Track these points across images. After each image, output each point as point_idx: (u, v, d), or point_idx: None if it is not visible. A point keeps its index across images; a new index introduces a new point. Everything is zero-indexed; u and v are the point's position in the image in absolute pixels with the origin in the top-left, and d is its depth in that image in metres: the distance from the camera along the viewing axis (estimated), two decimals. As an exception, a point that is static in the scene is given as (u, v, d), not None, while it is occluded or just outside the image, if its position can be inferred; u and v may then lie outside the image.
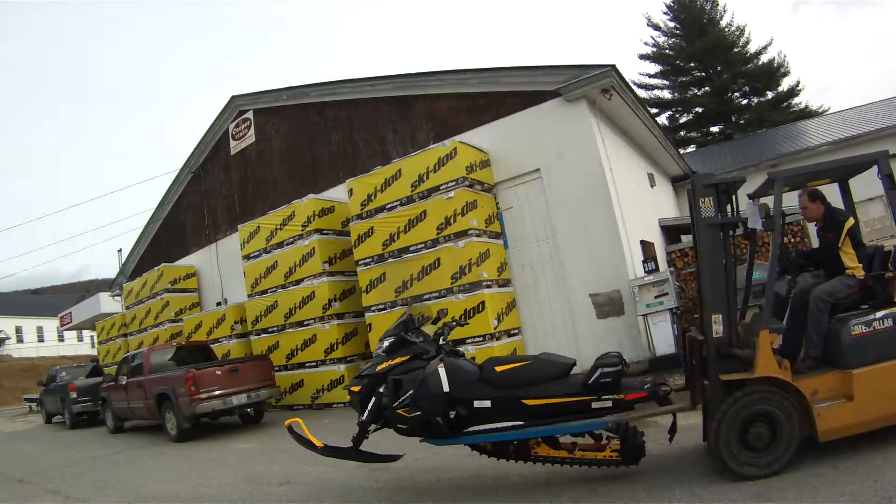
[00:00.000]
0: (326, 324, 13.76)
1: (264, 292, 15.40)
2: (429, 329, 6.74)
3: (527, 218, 12.57)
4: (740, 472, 5.32)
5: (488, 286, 11.51)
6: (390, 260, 12.53)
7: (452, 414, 6.05)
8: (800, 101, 39.22)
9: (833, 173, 6.40)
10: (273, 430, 7.77)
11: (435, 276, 11.88)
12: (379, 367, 6.28)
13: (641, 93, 39.11)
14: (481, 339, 11.33)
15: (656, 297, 10.70)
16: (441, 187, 11.86)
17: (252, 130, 19.02)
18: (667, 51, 40.96)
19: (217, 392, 12.20)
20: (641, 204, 14.64)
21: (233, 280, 18.81)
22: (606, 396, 5.71)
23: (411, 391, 5.97)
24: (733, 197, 6.01)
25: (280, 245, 14.97)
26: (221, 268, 19.99)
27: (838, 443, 5.43)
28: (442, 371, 6.01)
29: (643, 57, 41.94)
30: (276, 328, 15.08)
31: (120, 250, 28.30)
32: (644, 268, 11.53)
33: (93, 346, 43.87)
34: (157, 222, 23.54)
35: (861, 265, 5.95)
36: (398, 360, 6.25)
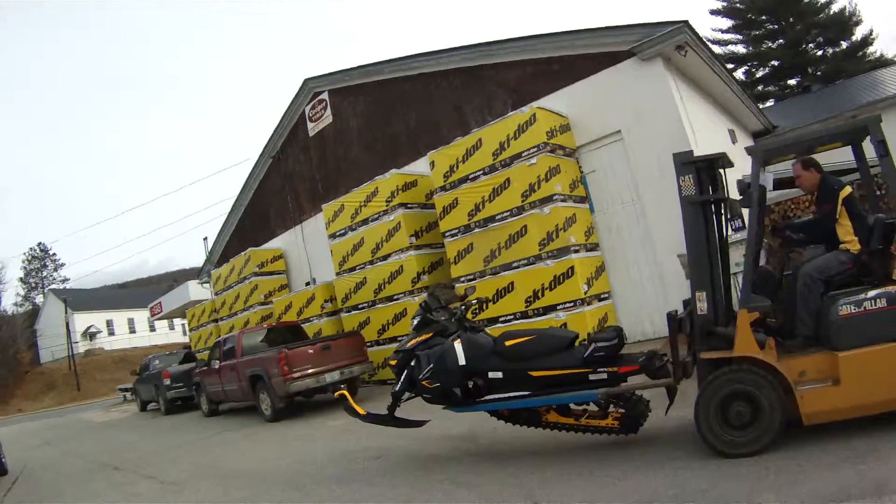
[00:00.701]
0: (416, 297, 13.96)
1: (352, 269, 15.78)
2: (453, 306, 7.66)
3: (610, 180, 12.59)
4: (721, 450, 5.44)
5: (576, 251, 11.55)
6: (477, 230, 12.66)
7: (471, 384, 6.80)
8: (874, 49, 37.93)
9: (820, 142, 6.09)
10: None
11: (522, 243, 11.95)
12: (408, 344, 7.27)
13: (716, 48, 38.23)
14: (572, 304, 11.40)
15: (744, 255, 10.68)
16: (523, 154, 11.94)
17: (328, 111, 19.50)
18: (738, 4, 39.99)
19: (310, 370, 12.51)
20: (724, 162, 14.48)
21: (320, 259, 19.32)
22: (601, 369, 6.17)
23: (432, 365, 6.88)
24: (721, 172, 6.14)
25: (365, 222, 15.29)
26: (308, 248, 20.55)
27: (832, 426, 5.31)
28: (458, 347, 6.79)
29: (714, 12, 40.96)
30: (366, 304, 15.46)
31: (206, 238, 29.24)
32: (731, 226, 11.46)
33: (184, 334, 45.36)
34: (241, 208, 24.37)
35: (857, 239, 5.71)
36: (423, 337, 7.18)
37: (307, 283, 19.74)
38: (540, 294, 11.72)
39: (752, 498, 4.38)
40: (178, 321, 57.85)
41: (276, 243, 22.42)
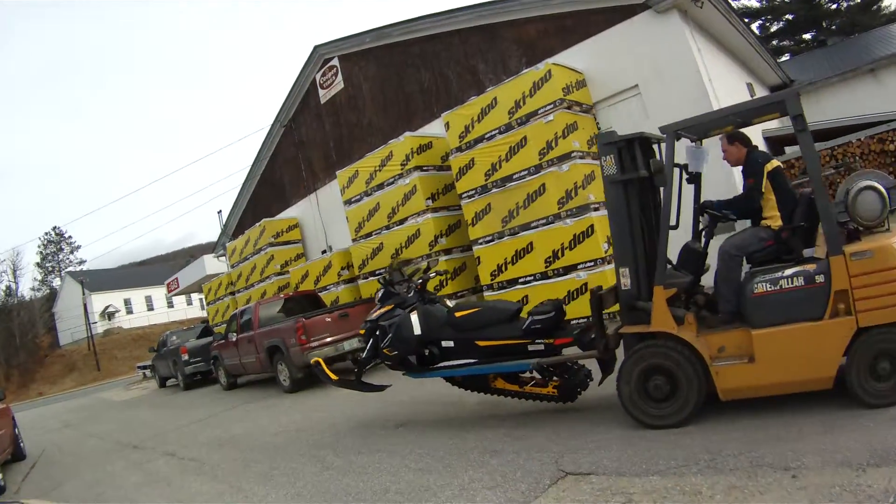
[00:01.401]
0: (434, 261, 13.96)
1: (369, 235, 15.80)
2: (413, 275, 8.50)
3: None
4: (644, 421, 5.67)
5: (596, 209, 11.39)
6: (494, 190, 12.60)
7: (427, 352, 7.49)
8: (889, 3, 38.06)
9: (736, 118, 6.09)
10: (388, 374, 8.18)
11: (541, 202, 11.89)
12: (372, 315, 8.05)
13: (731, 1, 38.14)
14: (592, 263, 11.31)
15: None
16: (539, 111, 11.89)
17: (339, 77, 19.55)
18: (751, -44, 39.56)
19: (328, 339, 12.59)
20: (743, 116, 14.39)
21: (336, 227, 19.54)
22: (539, 341, 6.72)
23: (390, 335, 7.61)
24: (652, 149, 6.27)
25: (380, 186, 15.28)
26: (323, 216, 20.74)
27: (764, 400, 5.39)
28: (414, 317, 7.50)
29: (728, -36, 40.65)
30: (383, 270, 15.33)
31: (220, 212, 29.40)
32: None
33: (202, 309, 45.75)
34: (255, 179, 24.57)
35: (779, 214, 5.75)
36: (385, 308, 7.94)
37: (323, 252, 19.87)
38: (560, 254, 11.67)
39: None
40: (195, 296, 58.46)
41: (291, 212, 22.61)
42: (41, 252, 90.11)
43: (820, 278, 5.08)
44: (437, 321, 7.45)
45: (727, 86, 13.34)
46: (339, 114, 19.83)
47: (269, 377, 14.81)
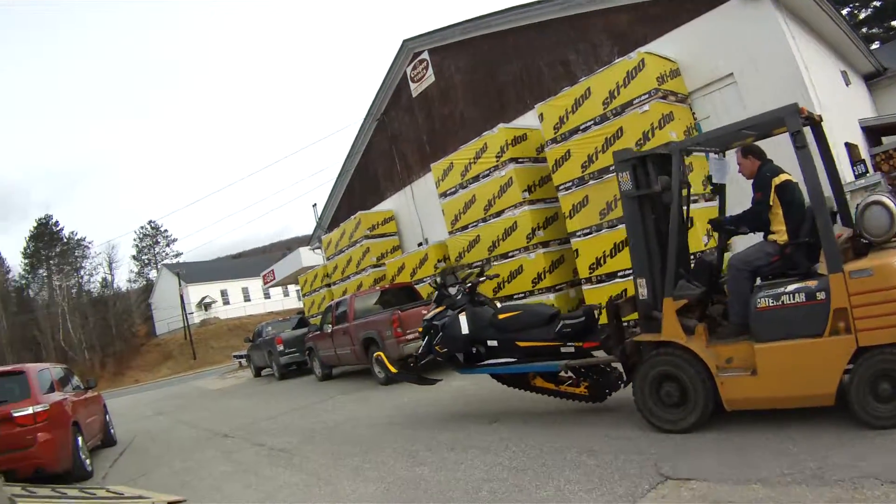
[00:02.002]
0: (532, 253, 14.23)
1: (465, 228, 16.08)
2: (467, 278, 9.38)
3: None
4: (656, 425, 6.12)
5: (695, 201, 11.19)
6: (591, 182, 12.69)
7: (474, 350, 8.35)
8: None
9: (737, 136, 6.32)
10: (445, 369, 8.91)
11: None
12: (428, 315, 8.99)
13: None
14: (692, 256, 11.15)
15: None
16: (634, 102, 11.95)
17: (430, 70, 20.05)
18: (839, -60, 38.47)
19: (424, 331, 12.90)
20: (840, 104, 14.19)
21: (432, 219, 19.97)
22: (570, 344, 7.37)
23: (441, 333, 8.45)
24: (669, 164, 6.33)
25: (476, 179, 15.54)
26: (419, 209, 21.19)
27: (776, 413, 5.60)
28: (462, 318, 8.29)
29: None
30: (480, 262, 15.42)
31: (315, 205, 30.22)
32: (853, 171, 11.12)
33: (298, 300, 46.98)
34: (349, 173, 25.34)
35: (785, 229, 5.84)
36: (439, 309, 8.86)
37: (420, 244, 20.25)
38: None
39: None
40: (292, 287, 59.90)
41: (386, 205, 23.15)
42: (137, 245, 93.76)
43: (821, 295, 5.21)
44: (483, 322, 8.23)
45: (823, 73, 13.20)
46: (431, 107, 20.30)
47: (364, 369, 15.19)
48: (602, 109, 12.52)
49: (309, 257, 30.80)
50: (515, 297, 14.58)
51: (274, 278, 37.52)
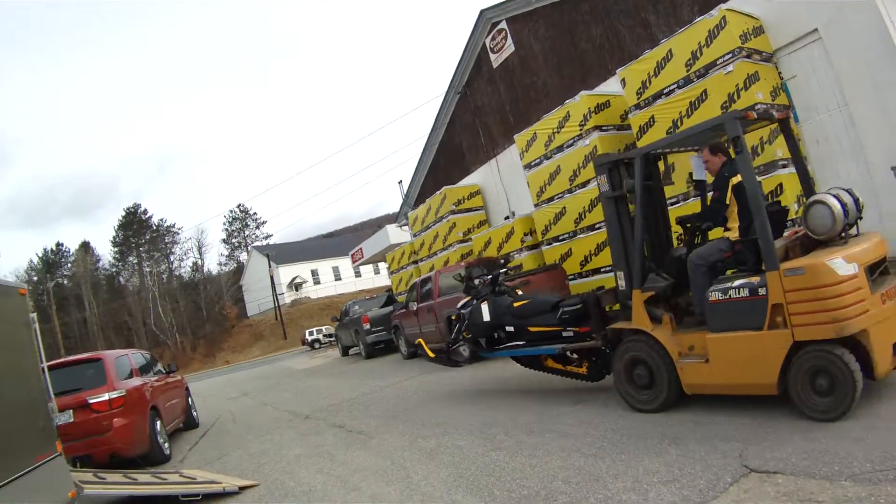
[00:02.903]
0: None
1: (550, 200, 16.13)
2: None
3: (813, 87, 12.10)
4: (629, 403, 7.09)
5: (784, 166, 11.14)
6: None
7: (496, 335, 9.61)
8: None
9: (690, 141, 7.21)
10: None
11: None
12: (458, 305, 10.62)
13: None
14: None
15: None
16: (717, 62, 11.80)
17: (509, 40, 20.18)
18: None
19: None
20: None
21: (518, 192, 20.08)
22: (569, 328, 8.38)
23: (466, 320, 9.89)
24: (658, 163, 7.63)
25: (560, 149, 15.60)
26: (504, 182, 21.39)
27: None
28: (484, 307, 9.56)
29: None
30: (566, 235, 15.75)
31: (400, 182, 30.76)
32: None
33: (388, 278, 47.97)
34: (433, 147, 25.79)
35: (738, 227, 6.40)
36: (466, 298, 10.46)
37: (506, 217, 20.30)
38: None
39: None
40: (382, 265, 61.07)
41: (471, 179, 23.47)
42: (227, 229, 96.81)
43: (762, 291, 5.73)
44: (502, 310, 9.41)
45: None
46: (512, 77, 20.46)
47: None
48: (685, 71, 12.39)
49: (396, 234, 31.40)
50: (602, 270, 14.67)
51: (362, 257, 38.40)
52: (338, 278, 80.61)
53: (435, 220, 22.94)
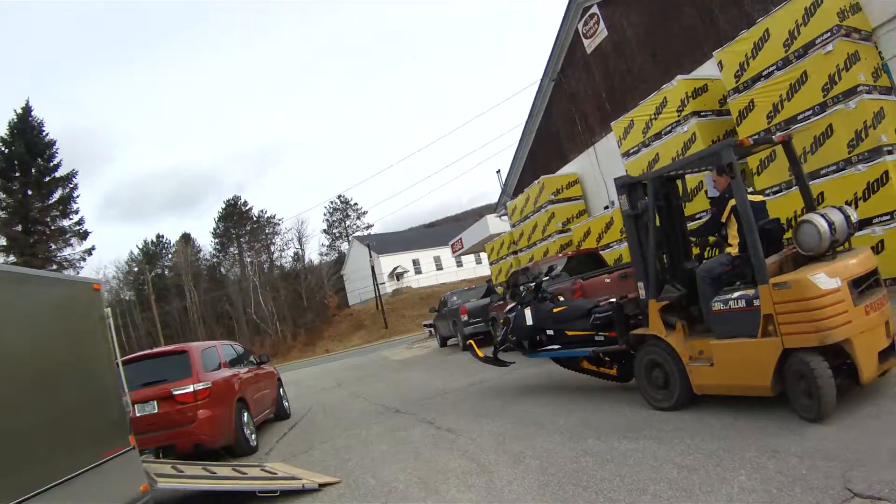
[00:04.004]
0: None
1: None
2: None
3: None
4: (649, 402, 7.97)
5: (890, 151, 10.92)
6: (778, 134, 11.94)
7: (538, 338, 10.50)
8: None
9: (690, 166, 8.25)
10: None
11: (829, 146, 11.52)
12: (506, 309, 11.42)
13: None
14: (888, 217, 10.90)
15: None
16: (816, 41, 11.62)
17: (602, 25, 20.32)
18: None
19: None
20: None
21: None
22: (601, 333, 9.22)
23: (512, 324, 10.77)
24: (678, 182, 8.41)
25: (658, 136, 15.68)
26: (603, 170, 21.27)
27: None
28: (527, 312, 10.48)
29: None
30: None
31: (498, 171, 31.02)
32: None
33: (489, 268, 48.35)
34: (530, 136, 26.05)
35: (737, 243, 7.08)
36: (512, 304, 11.40)
37: (605, 207, 20.40)
38: (852, 206, 10.71)
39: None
40: (483, 255, 61.43)
41: (569, 168, 23.58)
42: (327, 219, 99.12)
43: (756, 302, 6.45)
44: (543, 314, 10.32)
45: None
46: (606, 62, 20.55)
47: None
48: (783, 52, 12.24)
49: (496, 224, 31.69)
50: (706, 259, 14.41)
51: (462, 247, 38.90)
52: (439, 268, 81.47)
53: (534, 210, 23.17)
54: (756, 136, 7.91)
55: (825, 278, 5.98)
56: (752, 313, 6.47)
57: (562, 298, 11.69)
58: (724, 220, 7.30)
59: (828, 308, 5.90)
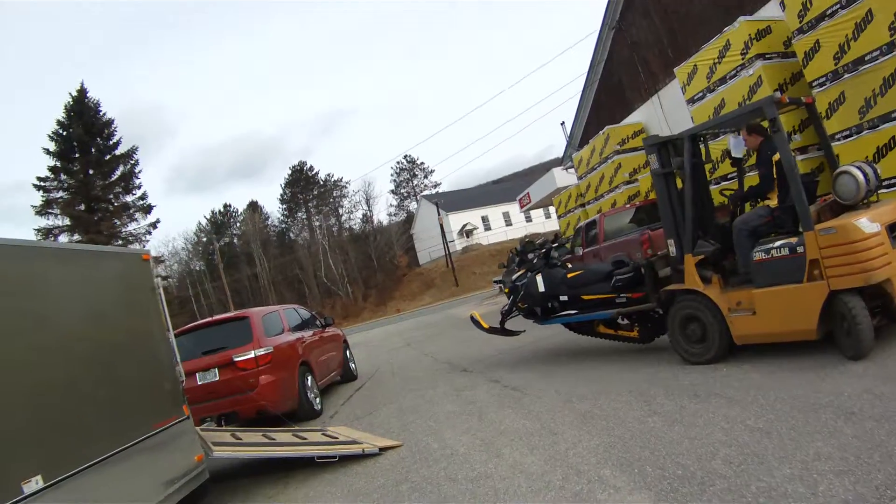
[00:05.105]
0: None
1: (717, 136, 15.47)
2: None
3: None
4: (684, 357, 8.29)
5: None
6: (846, 76, 12.01)
7: (550, 305, 10.72)
8: None
9: (732, 123, 8.43)
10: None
11: None
12: (512, 277, 11.49)
13: None
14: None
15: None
16: None
17: (661, -34, 19.72)
18: None
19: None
20: None
21: (683, 128, 19.41)
22: (622, 295, 9.58)
23: (522, 292, 10.94)
24: (701, 142, 8.52)
25: (723, 81, 15.39)
26: (668, 118, 21.18)
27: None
28: (539, 279, 10.68)
29: None
30: (733, 173, 15.13)
31: (563, 123, 30.87)
32: None
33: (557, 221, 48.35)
34: (593, 86, 25.89)
35: (776, 195, 7.49)
36: (521, 272, 11.38)
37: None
38: None
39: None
40: (553, 209, 61.28)
41: (635, 117, 23.40)
42: (394, 180, 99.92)
43: (800, 249, 6.82)
44: (556, 281, 10.54)
45: None
46: (666, 6, 20.20)
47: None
48: (847, -13, 11.95)
49: (563, 177, 31.66)
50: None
51: (530, 201, 38.99)
52: (508, 224, 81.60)
53: (600, 162, 23.12)
54: (790, 98, 8.09)
55: (868, 223, 6.49)
56: (796, 260, 6.85)
57: (570, 265, 11.99)
58: (776, 175, 7.54)
59: (872, 250, 6.40)
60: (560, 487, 5.33)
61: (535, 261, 11.39)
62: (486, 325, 12.34)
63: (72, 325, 5.81)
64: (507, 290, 11.83)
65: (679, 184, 8.40)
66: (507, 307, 11.74)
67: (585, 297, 10.17)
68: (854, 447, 4.63)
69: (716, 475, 4.76)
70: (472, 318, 13.02)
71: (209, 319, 12.08)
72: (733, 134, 8.56)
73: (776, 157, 7.39)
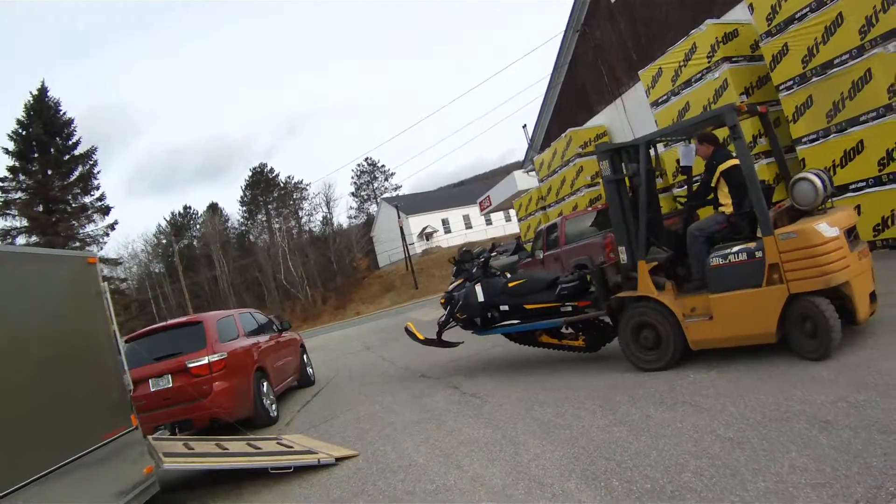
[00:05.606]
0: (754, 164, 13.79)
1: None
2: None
3: None
4: (637, 365, 8.15)
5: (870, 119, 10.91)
6: (814, 79, 12.10)
7: (489, 315, 10.45)
8: None
9: (690, 130, 8.36)
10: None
11: (868, 92, 11.22)
12: (449, 287, 11.34)
13: None
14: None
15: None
16: None
17: (627, -31, 19.59)
18: None
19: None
20: None
21: (646, 131, 19.31)
22: (568, 303, 9.33)
23: (460, 302, 10.67)
24: (651, 149, 8.71)
25: (688, 83, 15.41)
26: (631, 121, 21.20)
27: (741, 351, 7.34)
28: (478, 288, 10.43)
29: None
30: (697, 176, 15.12)
31: (524, 126, 30.73)
32: None
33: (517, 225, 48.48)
34: (556, 89, 25.82)
35: (731, 202, 7.54)
36: (458, 281, 11.17)
37: (635, 160, 19.96)
38: (894, 154, 11.08)
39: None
40: (513, 212, 61.53)
41: (597, 120, 23.40)
42: (355, 182, 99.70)
43: (758, 254, 6.91)
44: (496, 290, 10.29)
45: None
46: (632, 10, 20.17)
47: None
48: (814, -9, 11.94)
49: (524, 180, 31.60)
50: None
51: (490, 204, 38.86)
52: (468, 227, 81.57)
53: (561, 165, 23.08)
54: (748, 104, 8.19)
55: (828, 227, 6.65)
56: (754, 265, 6.94)
57: (509, 275, 11.89)
58: (713, 184, 7.77)
59: (831, 254, 6.56)
60: (523, 501, 5.13)
61: (473, 270, 11.10)
62: (421, 337, 12.02)
63: (9, 333, 5.44)
64: (442, 301, 11.51)
65: (630, 191, 8.32)
66: (443, 318, 11.38)
67: (528, 307, 9.97)
68: (831, 458, 4.43)
69: (686, 489, 4.57)
70: (406, 329, 12.71)
71: (162, 324, 11.75)
72: (684, 142, 8.84)
73: (723, 166, 7.63)
